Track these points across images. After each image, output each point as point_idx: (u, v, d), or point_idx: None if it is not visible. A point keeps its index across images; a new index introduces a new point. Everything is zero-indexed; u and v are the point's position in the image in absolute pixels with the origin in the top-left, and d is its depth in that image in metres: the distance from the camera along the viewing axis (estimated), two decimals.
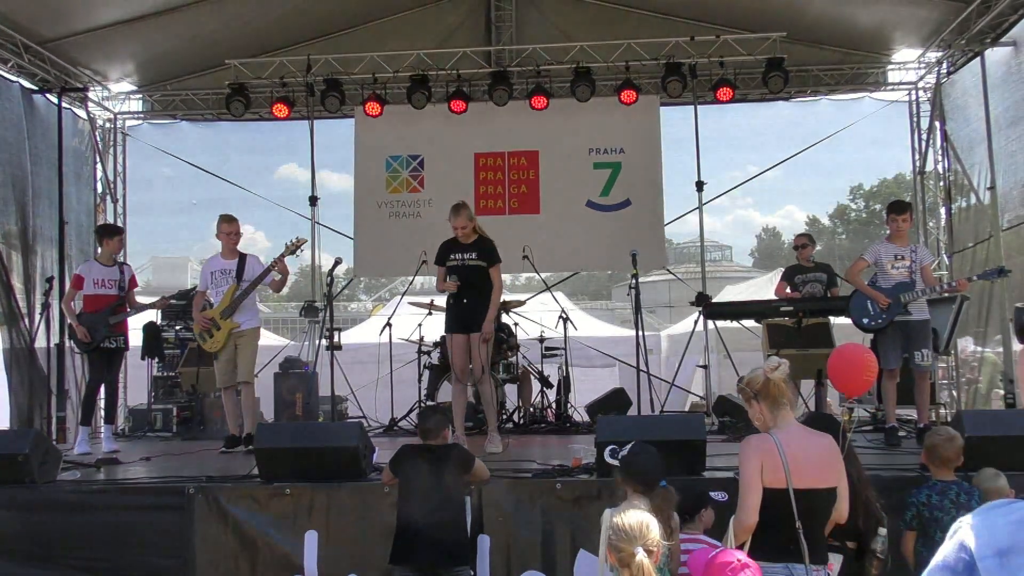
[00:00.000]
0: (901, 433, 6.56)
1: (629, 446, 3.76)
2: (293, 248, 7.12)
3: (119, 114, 11.36)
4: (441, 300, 9.29)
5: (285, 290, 7.56)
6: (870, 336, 6.76)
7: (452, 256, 6.58)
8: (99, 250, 7.59)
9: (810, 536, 3.16)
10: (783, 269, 10.44)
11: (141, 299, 7.72)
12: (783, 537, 3.17)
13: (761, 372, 3.35)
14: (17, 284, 8.98)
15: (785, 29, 9.53)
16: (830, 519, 3.34)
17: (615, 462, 3.67)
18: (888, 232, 6.68)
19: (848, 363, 5.01)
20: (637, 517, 2.94)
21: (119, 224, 11.10)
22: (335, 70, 9.98)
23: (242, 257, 7.17)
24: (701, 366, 9.41)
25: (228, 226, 7.20)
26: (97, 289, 7.30)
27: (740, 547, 3.22)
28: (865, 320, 6.52)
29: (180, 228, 12.55)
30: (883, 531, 3.66)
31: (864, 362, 5.00)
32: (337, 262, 7.51)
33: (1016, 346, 8.41)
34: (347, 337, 9.85)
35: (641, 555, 2.79)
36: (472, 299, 6.49)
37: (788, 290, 8.31)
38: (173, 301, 9.18)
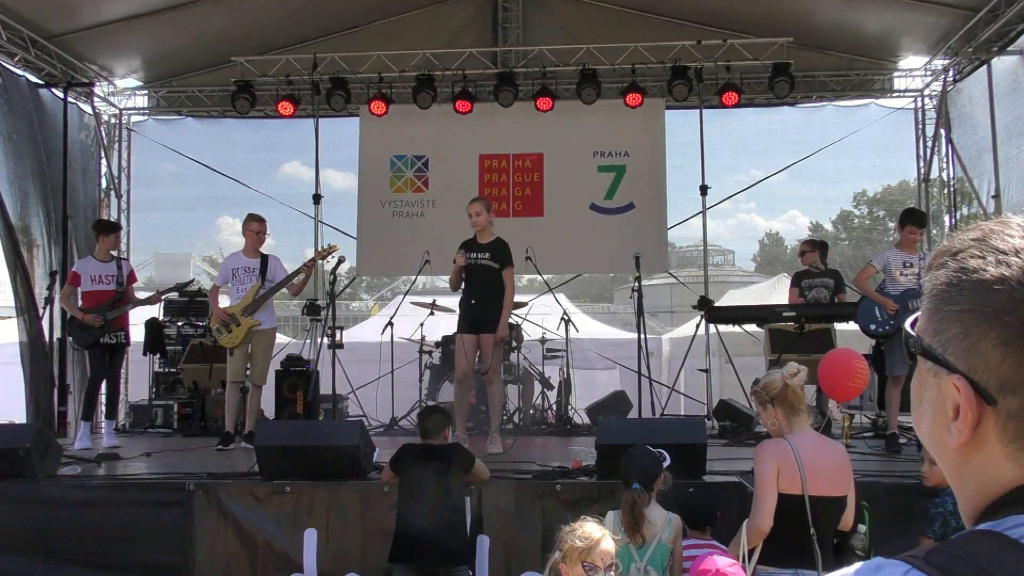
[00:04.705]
0: (902, 440, 6.54)
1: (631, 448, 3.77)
2: (324, 254, 7.25)
3: (124, 110, 11.37)
4: (442, 300, 9.32)
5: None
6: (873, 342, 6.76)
7: (468, 255, 6.62)
8: (96, 246, 7.60)
9: (820, 543, 3.17)
10: (785, 274, 10.42)
11: (141, 295, 7.74)
12: (794, 543, 3.17)
13: (779, 377, 3.34)
14: (34, 277, 9.03)
15: (792, 34, 9.52)
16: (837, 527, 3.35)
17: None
18: (898, 239, 6.67)
19: (836, 368, 5.02)
20: (594, 532, 2.96)
21: (122, 219, 11.13)
22: (341, 69, 9.98)
23: (264, 257, 7.26)
24: (702, 370, 9.41)
25: (259, 225, 7.38)
26: (95, 285, 7.32)
27: (751, 552, 3.23)
28: (872, 326, 6.51)
29: (183, 224, 12.50)
30: (863, 527, 3.65)
31: (852, 368, 5.00)
32: (340, 260, 7.53)
33: None
34: (349, 336, 9.83)
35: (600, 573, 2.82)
36: (481, 299, 6.51)
37: (799, 296, 8.29)
38: (174, 296, 9.21)
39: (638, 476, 3.57)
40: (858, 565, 0.80)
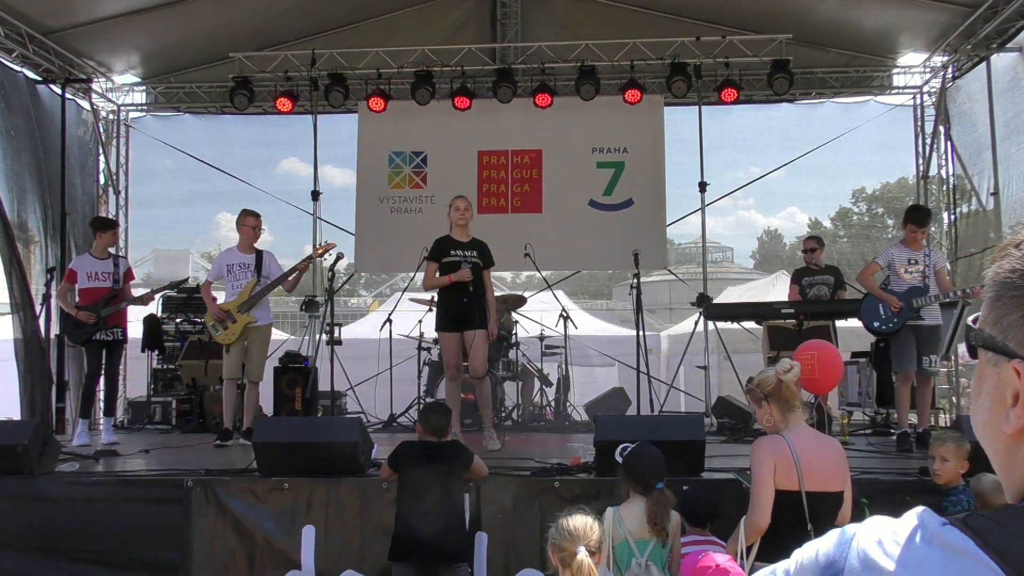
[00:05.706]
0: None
1: (632, 446, 3.76)
2: (322, 252, 7.22)
3: (123, 106, 11.35)
4: None
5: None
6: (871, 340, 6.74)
7: (452, 252, 6.57)
8: (93, 243, 7.58)
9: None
10: (784, 271, 10.38)
11: (138, 292, 7.72)
12: (792, 539, 3.17)
13: (773, 374, 3.34)
14: (31, 274, 9.01)
15: (791, 31, 9.52)
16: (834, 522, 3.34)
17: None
18: (903, 236, 6.66)
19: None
20: (582, 520, 3.00)
21: (121, 215, 11.12)
22: (339, 65, 9.96)
23: (258, 252, 7.23)
24: (701, 367, 9.41)
25: (255, 220, 7.35)
26: (91, 282, 7.29)
27: (749, 548, 3.23)
28: (876, 324, 6.50)
29: (182, 221, 12.50)
30: None
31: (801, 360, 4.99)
32: (339, 257, 7.51)
33: None
34: (347, 332, 9.83)
35: (583, 554, 2.84)
36: (469, 297, 6.47)
37: (799, 294, 8.29)
38: (170, 293, 9.19)
39: (658, 475, 3.58)
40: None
